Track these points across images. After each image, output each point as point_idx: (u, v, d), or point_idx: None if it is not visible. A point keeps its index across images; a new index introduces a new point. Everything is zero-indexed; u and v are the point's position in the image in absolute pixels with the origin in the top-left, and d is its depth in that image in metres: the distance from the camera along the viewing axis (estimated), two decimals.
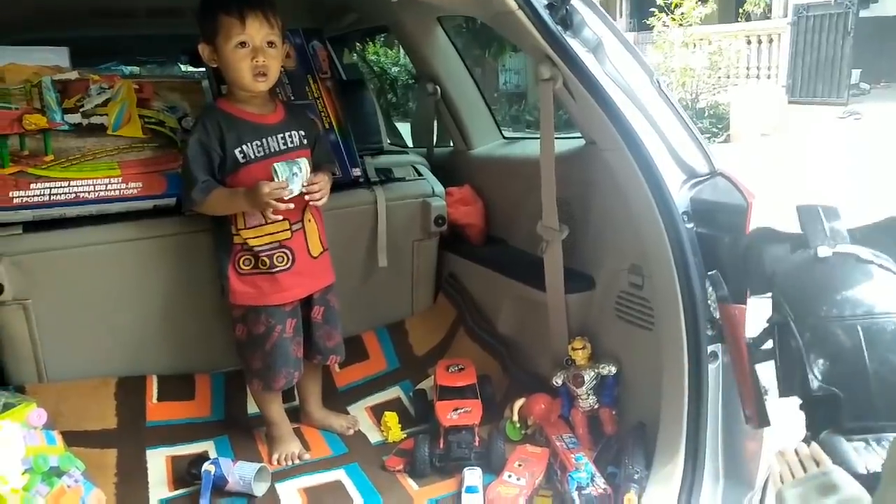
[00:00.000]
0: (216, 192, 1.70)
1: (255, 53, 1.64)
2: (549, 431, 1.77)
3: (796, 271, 1.06)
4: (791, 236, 1.09)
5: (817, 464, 0.97)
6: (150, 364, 2.04)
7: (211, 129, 1.69)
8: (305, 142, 1.81)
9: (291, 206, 1.67)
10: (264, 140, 1.73)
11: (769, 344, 1.10)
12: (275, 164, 1.63)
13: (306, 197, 1.71)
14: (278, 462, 1.82)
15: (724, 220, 1.40)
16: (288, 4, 1.86)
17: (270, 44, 1.66)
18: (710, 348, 1.41)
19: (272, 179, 1.62)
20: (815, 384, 0.99)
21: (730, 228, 1.38)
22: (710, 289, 1.28)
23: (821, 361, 1.00)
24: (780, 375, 1.06)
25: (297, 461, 1.83)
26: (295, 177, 1.63)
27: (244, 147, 1.71)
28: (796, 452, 1.02)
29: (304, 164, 1.66)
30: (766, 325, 1.08)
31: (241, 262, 1.76)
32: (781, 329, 1.06)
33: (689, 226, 1.42)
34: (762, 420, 1.12)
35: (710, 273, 1.33)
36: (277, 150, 1.75)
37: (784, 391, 1.05)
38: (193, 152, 1.69)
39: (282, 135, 1.76)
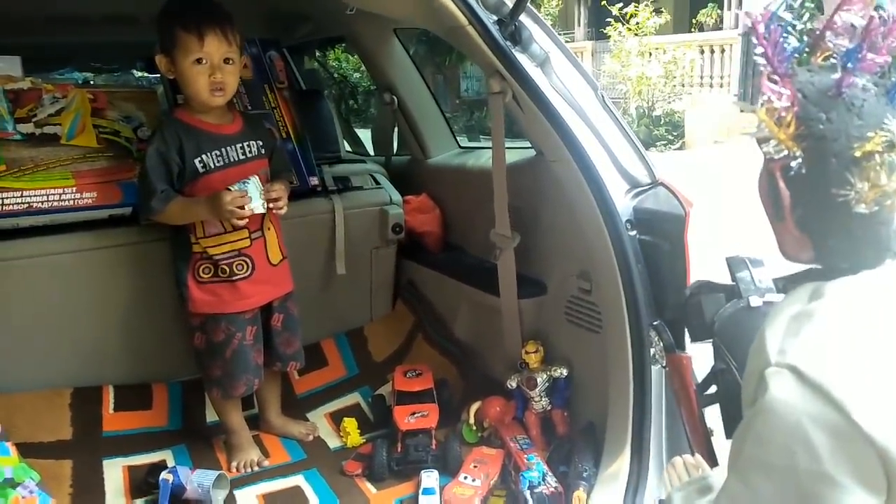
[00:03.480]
0: (175, 201, 1.71)
1: (213, 70, 1.65)
2: (504, 433, 1.82)
3: (732, 320, 1.11)
4: (725, 287, 1.15)
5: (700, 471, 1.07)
6: (107, 374, 2.03)
7: (170, 139, 1.70)
8: (263, 151, 1.83)
9: (253, 211, 1.69)
10: (223, 150, 1.75)
11: (713, 388, 1.14)
12: (227, 187, 1.65)
13: (270, 205, 1.73)
14: (237, 469, 1.84)
15: (664, 227, 1.47)
16: (245, 15, 1.88)
17: (228, 60, 1.67)
18: (652, 350, 1.48)
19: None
20: None
21: (670, 236, 1.46)
22: (654, 337, 1.34)
23: None
24: (725, 418, 1.11)
25: (255, 468, 1.85)
26: (252, 190, 1.66)
27: (203, 157, 1.72)
28: (684, 462, 1.11)
29: (255, 179, 1.69)
30: (710, 371, 1.13)
31: (200, 270, 1.77)
32: (723, 374, 1.12)
33: (633, 233, 1.49)
34: (711, 460, 1.18)
35: (654, 323, 1.40)
36: (237, 159, 1.76)
37: (729, 433, 1.08)
38: (152, 162, 1.69)
39: (241, 145, 1.78)
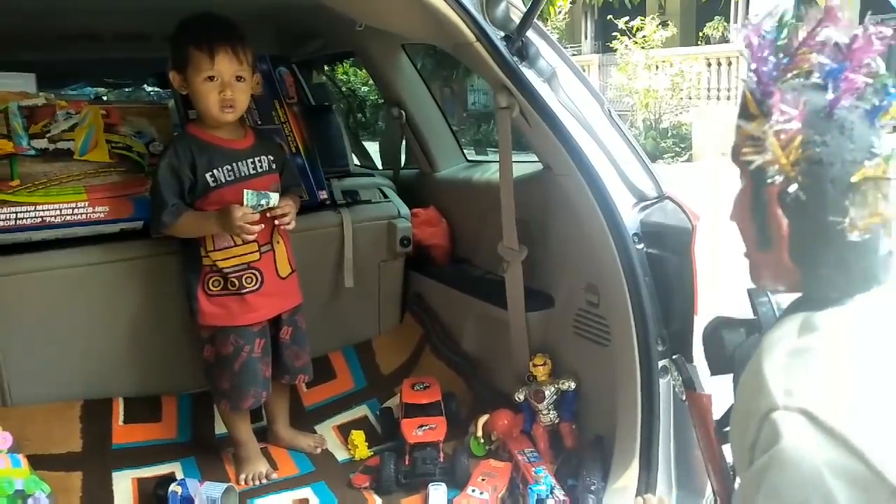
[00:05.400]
0: (186, 214, 1.73)
1: (224, 87, 1.68)
2: (512, 446, 1.82)
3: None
4: (745, 321, 1.14)
5: None
6: (117, 386, 2.04)
7: (182, 154, 1.72)
8: (274, 167, 1.85)
9: (262, 226, 1.71)
10: (235, 165, 1.77)
11: None
12: (245, 190, 1.67)
13: (276, 222, 1.75)
14: (245, 482, 1.84)
15: (671, 241, 1.48)
16: (257, 32, 1.91)
17: (239, 78, 1.70)
18: (660, 363, 1.48)
19: (242, 203, 1.66)
20: None
21: (677, 249, 1.47)
22: (674, 373, 1.32)
23: None
24: None
25: (264, 480, 1.85)
26: (260, 208, 1.68)
27: (215, 171, 1.74)
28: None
29: (275, 197, 1.71)
30: (730, 407, 1.12)
31: (210, 283, 1.79)
32: None
33: (640, 246, 1.50)
34: (730, 497, 1.16)
35: (673, 357, 1.38)
36: (247, 174, 1.79)
37: None
38: (164, 176, 1.72)
39: (252, 160, 1.80)
